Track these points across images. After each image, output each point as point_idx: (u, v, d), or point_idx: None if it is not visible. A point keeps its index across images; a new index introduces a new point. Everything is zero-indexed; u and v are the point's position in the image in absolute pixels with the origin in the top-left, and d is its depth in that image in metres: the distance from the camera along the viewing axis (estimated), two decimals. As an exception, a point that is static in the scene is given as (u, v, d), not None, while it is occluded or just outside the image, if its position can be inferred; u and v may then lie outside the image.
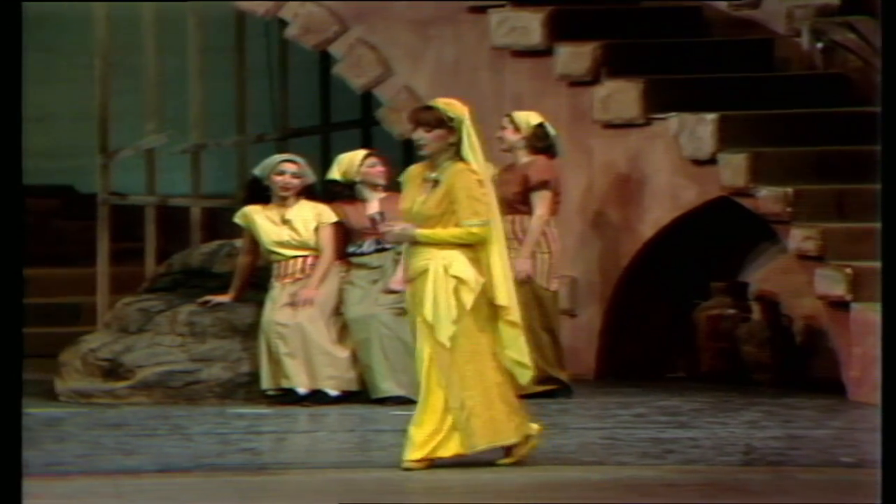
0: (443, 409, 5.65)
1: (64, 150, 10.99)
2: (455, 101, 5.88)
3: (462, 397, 5.64)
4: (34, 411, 7.33)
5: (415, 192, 5.75)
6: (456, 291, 5.66)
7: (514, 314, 5.71)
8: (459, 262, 5.70)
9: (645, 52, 8.74)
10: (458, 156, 5.76)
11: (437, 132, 5.71)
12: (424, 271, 5.70)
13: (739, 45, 8.94)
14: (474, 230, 5.71)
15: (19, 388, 4.87)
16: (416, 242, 5.75)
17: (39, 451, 6.24)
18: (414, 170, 5.82)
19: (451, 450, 5.68)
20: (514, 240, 7.73)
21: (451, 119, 5.75)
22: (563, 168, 8.02)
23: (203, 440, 6.59)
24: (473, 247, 5.71)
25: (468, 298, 5.67)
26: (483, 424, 5.65)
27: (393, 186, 7.88)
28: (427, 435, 5.63)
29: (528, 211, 7.75)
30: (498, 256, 5.73)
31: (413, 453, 5.67)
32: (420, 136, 5.72)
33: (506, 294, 5.70)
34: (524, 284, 7.64)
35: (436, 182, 5.72)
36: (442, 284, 5.67)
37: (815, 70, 8.84)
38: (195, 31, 9.67)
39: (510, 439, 5.74)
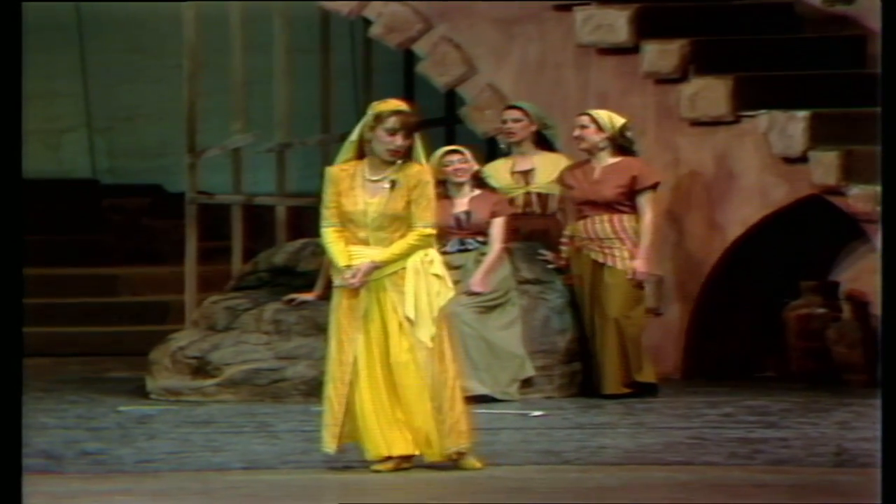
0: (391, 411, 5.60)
1: (153, 149, 11.12)
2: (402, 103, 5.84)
3: (441, 398, 5.63)
4: (127, 409, 7.42)
5: (358, 194, 5.65)
6: (437, 291, 5.63)
7: None
8: (438, 261, 5.70)
9: (734, 49, 8.64)
10: (410, 158, 5.71)
11: (410, 138, 5.69)
12: (399, 270, 5.63)
13: (832, 41, 8.81)
14: (428, 232, 5.69)
15: (19, 388, 4.89)
16: (381, 248, 5.65)
17: (132, 448, 6.30)
18: (339, 171, 5.70)
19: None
20: (616, 239, 7.68)
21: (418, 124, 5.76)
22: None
23: (288, 438, 6.61)
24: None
25: (445, 298, 5.66)
26: (451, 427, 5.65)
27: (483, 184, 7.87)
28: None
29: (630, 210, 7.69)
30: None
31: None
32: (400, 143, 5.65)
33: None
34: (637, 283, 7.60)
35: (393, 183, 5.65)
36: (423, 282, 5.63)
37: (908, 67, 8.68)
38: (281, 32, 9.72)
39: (467, 443, 5.71)
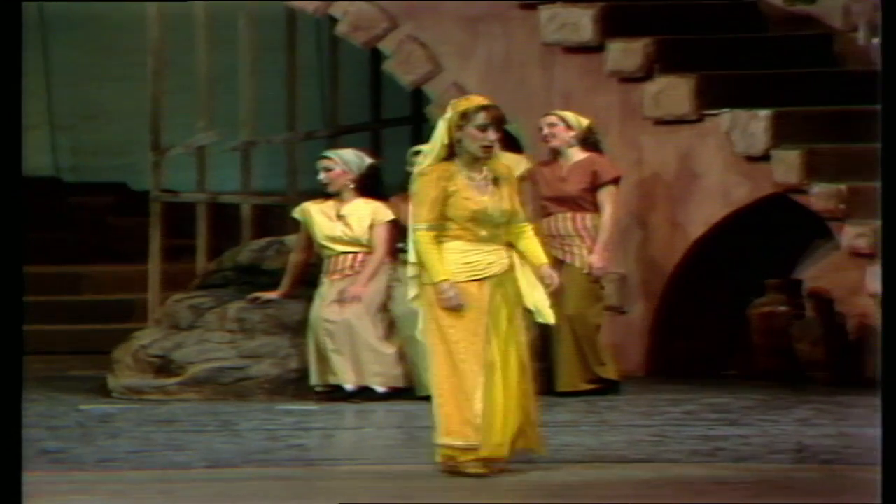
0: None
1: (117, 147, 11.08)
2: None
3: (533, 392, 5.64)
4: (87, 407, 7.39)
5: (473, 194, 5.58)
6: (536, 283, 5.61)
7: None
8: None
9: (698, 48, 8.67)
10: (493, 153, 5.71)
11: (500, 132, 5.67)
12: (509, 268, 5.60)
13: (795, 40, 8.85)
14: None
15: (19, 386, 4.88)
16: (498, 244, 5.61)
17: (92, 446, 6.28)
18: (443, 171, 5.59)
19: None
20: (577, 236, 7.70)
21: None
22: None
23: (252, 436, 6.60)
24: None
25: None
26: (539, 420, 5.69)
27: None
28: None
29: (592, 207, 7.71)
30: None
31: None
32: (493, 138, 5.60)
33: None
34: (595, 280, 7.62)
35: (495, 180, 5.62)
36: (530, 277, 5.61)
37: (871, 66, 8.74)
38: (246, 30, 9.70)
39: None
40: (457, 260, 5.59)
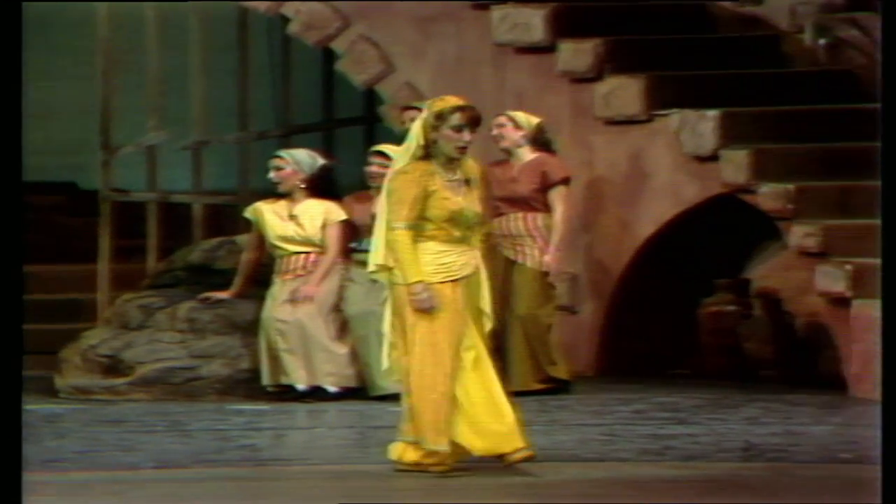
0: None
1: (66, 146, 11.01)
2: None
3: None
4: (34, 407, 7.33)
5: (450, 195, 5.57)
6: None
7: None
8: None
9: (648, 48, 8.73)
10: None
11: (474, 132, 5.63)
12: (477, 269, 5.63)
13: (744, 41, 8.93)
14: None
15: (19, 385, 4.86)
16: (468, 245, 5.62)
17: (39, 447, 6.24)
18: (423, 170, 5.55)
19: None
20: (528, 237, 7.74)
21: None
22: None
23: (202, 436, 6.59)
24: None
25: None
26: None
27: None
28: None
29: (542, 208, 7.75)
30: None
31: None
32: (468, 138, 5.57)
33: None
34: (545, 279, 7.65)
35: (468, 181, 5.61)
36: (485, 281, 5.65)
37: (818, 66, 8.82)
38: (197, 29, 9.68)
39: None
40: (432, 261, 5.56)
